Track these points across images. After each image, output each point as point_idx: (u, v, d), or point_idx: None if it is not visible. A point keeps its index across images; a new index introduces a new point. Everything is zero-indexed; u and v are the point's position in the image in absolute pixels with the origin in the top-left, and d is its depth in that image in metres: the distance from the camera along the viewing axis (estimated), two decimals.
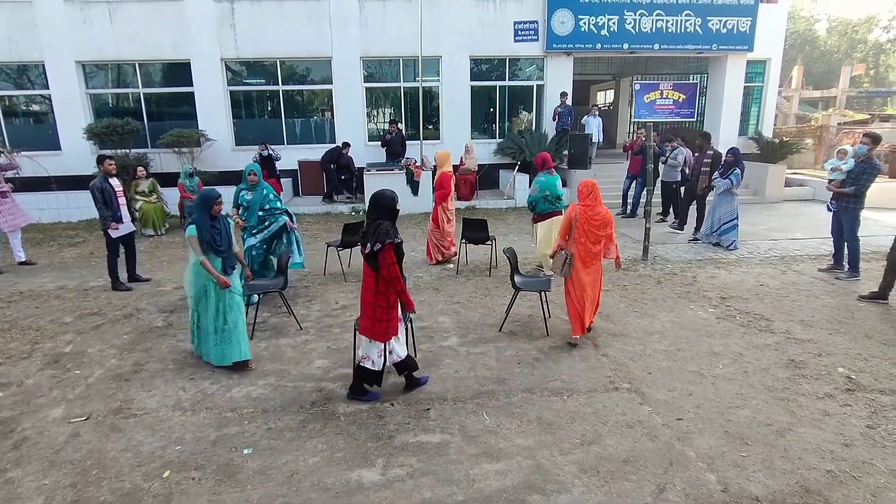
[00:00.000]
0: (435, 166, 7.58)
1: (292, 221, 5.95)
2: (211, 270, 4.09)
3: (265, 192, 5.74)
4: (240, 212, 5.71)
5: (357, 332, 3.78)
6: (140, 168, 9.77)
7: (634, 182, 10.56)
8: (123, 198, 6.36)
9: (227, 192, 11.05)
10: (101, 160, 6.26)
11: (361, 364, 3.68)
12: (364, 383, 3.77)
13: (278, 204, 5.87)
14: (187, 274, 4.30)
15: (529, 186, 6.84)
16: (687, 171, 9.24)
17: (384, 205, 3.55)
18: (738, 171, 7.65)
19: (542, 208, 6.38)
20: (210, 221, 4.12)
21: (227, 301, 4.21)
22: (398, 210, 3.64)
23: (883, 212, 10.15)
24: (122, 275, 6.53)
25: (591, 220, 4.53)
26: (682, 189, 9.43)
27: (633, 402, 3.73)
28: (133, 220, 6.65)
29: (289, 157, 12.35)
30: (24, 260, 7.51)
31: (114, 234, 6.21)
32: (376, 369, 3.66)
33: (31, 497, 2.84)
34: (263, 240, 5.76)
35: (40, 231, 9.65)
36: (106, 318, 5.50)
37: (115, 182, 6.24)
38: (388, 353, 3.65)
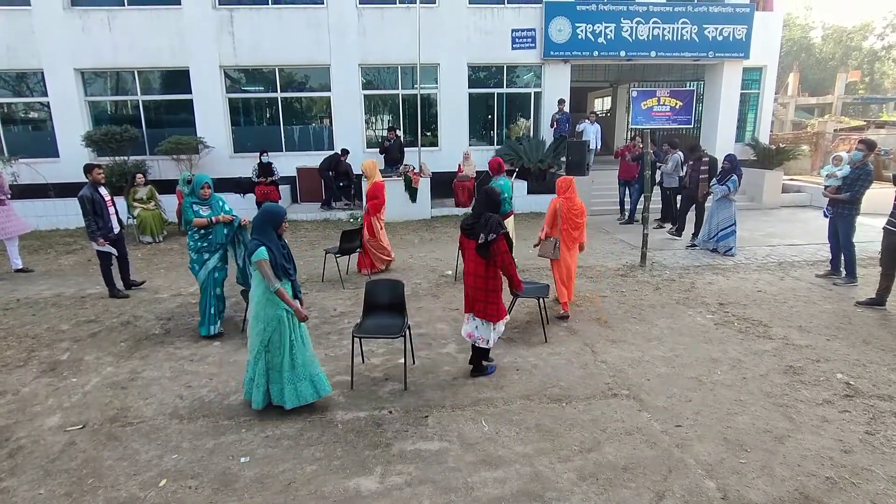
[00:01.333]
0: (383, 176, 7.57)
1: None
2: (289, 301, 3.54)
3: (221, 203, 5.17)
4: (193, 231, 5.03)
5: (475, 317, 4.05)
6: (138, 175, 9.78)
7: (628, 188, 10.61)
8: (113, 207, 6.27)
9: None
10: (89, 169, 6.12)
11: (477, 345, 4.12)
12: (483, 360, 4.25)
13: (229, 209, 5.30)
14: (255, 309, 3.57)
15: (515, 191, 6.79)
16: (681, 174, 9.28)
17: (494, 199, 4.00)
18: (735, 177, 7.68)
19: (503, 209, 6.53)
20: (279, 241, 3.60)
21: (300, 333, 3.68)
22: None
23: (879, 217, 10.18)
24: (118, 283, 6.51)
25: (572, 210, 5.34)
26: (679, 195, 9.46)
27: (632, 409, 3.72)
28: (122, 227, 6.49)
29: (287, 164, 12.37)
30: (20, 267, 7.49)
31: (103, 249, 6.11)
32: (491, 346, 4.13)
33: None
34: (222, 256, 5.13)
35: (37, 238, 9.63)
36: (103, 325, 5.48)
37: (104, 191, 6.15)
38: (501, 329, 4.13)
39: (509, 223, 6.65)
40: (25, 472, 3.10)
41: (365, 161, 7.23)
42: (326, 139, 13.24)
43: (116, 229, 6.31)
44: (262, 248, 3.45)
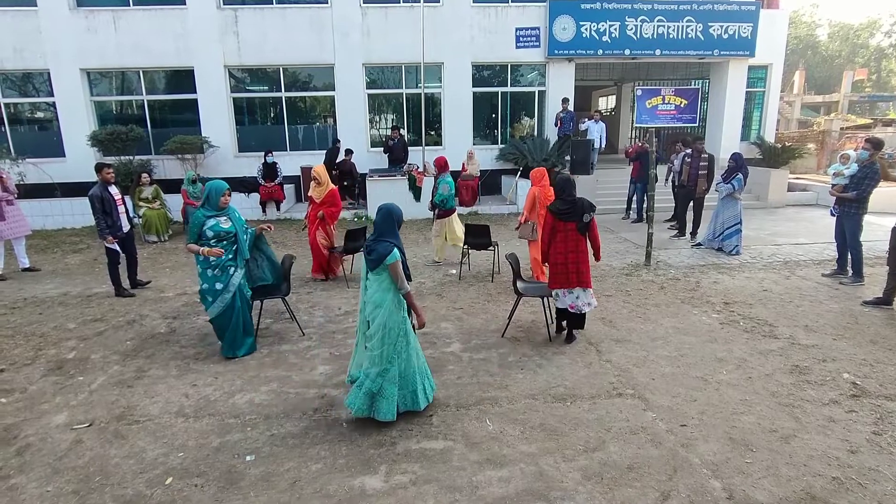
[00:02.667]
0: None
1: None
2: (415, 303, 3.49)
3: (236, 213, 4.58)
4: (213, 244, 4.33)
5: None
6: (144, 175, 9.83)
7: (636, 187, 10.57)
8: (123, 206, 6.35)
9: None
10: (99, 169, 6.21)
11: (583, 311, 4.68)
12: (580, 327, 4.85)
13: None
14: (383, 317, 3.40)
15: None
16: (677, 172, 9.20)
17: (574, 184, 4.67)
18: (740, 176, 7.64)
19: (451, 205, 7.28)
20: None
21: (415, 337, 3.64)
22: None
23: (886, 216, 10.11)
24: (125, 283, 6.55)
25: (546, 197, 5.96)
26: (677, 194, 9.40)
27: (637, 409, 3.71)
28: (132, 226, 6.59)
29: (292, 163, 12.41)
30: (27, 266, 7.54)
31: (112, 246, 6.18)
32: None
33: (34, 503, 2.84)
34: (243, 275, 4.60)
35: (44, 238, 9.69)
36: (109, 324, 5.51)
37: (114, 190, 6.23)
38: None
39: (453, 220, 7.38)
40: (34, 470, 3.12)
41: (318, 166, 6.82)
42: (330, 139, 13.27)
43: (126, 228, 6.36)
44: (396, 249, 3.37)
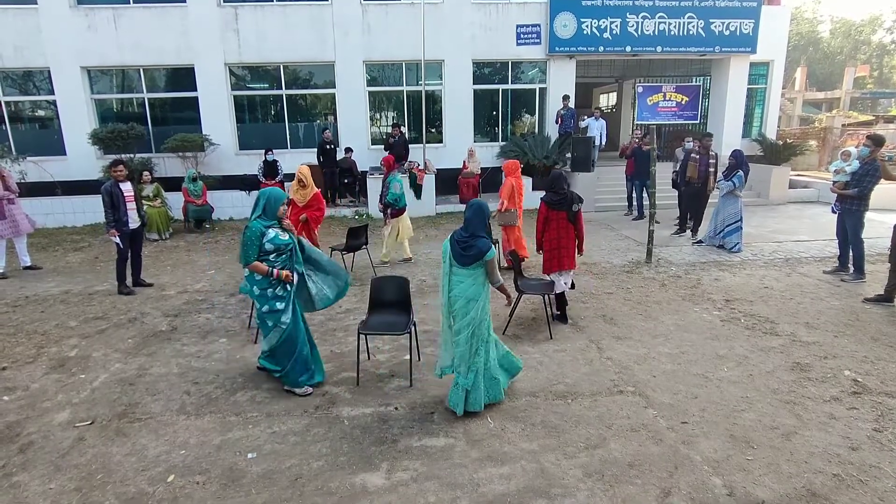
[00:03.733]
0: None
1: None
2: (510, 293, 3.74)
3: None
4: (273, 259, 3.76)
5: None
6: (145, 173, 9.84)
7: (633, 185, 10.55)
8: (133, 203, 6.38)
9: (231, 197, 11.07)
10: (110, 166, 6.38)
11: (564, 290, 5.14)
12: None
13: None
14: (477, 313, 3.52)
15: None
16: (677, 171, 9.15)
17: (565, 178, 5.09)
18: (741, 173, 7.63)
19: (403, 203, 7.30)
20: None
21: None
22: None
23: (888, 213, 10.10)
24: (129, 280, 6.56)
25: (521, 187, 6.92)
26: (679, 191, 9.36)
27: (638, 406, 3.72)
28: (143, 224, 6.63)
29: (292, 161, 12.37)
30: (29, 264, 7.55)
31: (113, 239, 6.26)
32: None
33: (37, 501, 2.84)
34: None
35: (45, 236, 9.70)
36: (111, 322, 5.52)
37: (125, 187, 6.29)
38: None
39: (403, 220, 7.39)
40: (36, 467, 3.13)
41: (302, 167, 6.34)
42: (332, 136, 13.25)
43: (133, 225, 6.37)
44: (493, 247, 3.50)
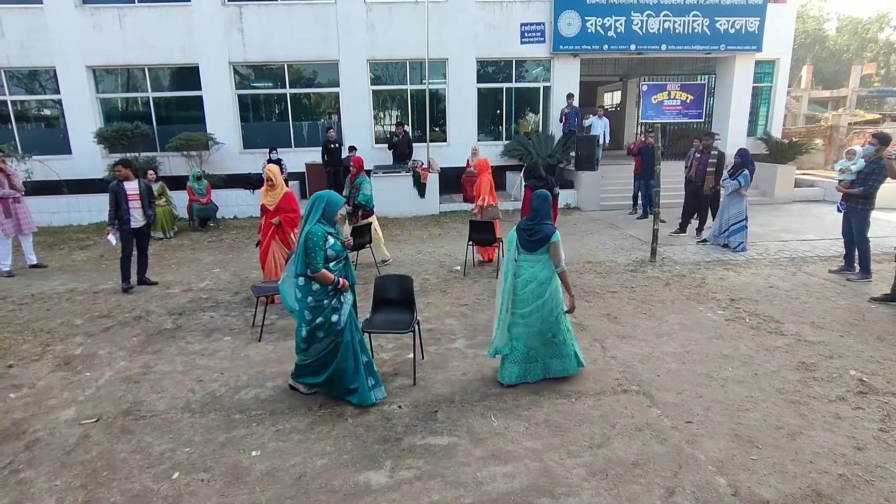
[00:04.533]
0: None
1: None
2: (569, 284, 3.89)
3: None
4: (332, 266, 3.57)
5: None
6: (149, 171, 9.87)
7: (640, 183, 10.51)
8: (138, 202, 6.36)
9: (236, 196, 11.08)
10: (113, 165, 6.41)
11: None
12: None
13: None
14: (551, 293, 3.80)
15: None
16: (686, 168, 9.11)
17: (540, 168, 6.42)
18: (746, 172, 7.59)
19: (373, 205, 7.26)
20: None
21: None
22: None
23: (894, 212, 10.04)
24: (133, 277, 6.59)
25: (493, 182, 7.28)
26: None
27: (642, 405, 3.71)
28: (148, 224, 6.63)
29: (296, 160, 12.43)
30: (35, 263, 7.60)
31: (110, 239, 6.30)
32: None
33: (43, 498, 2.86)
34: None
35: (51, 234, 9.75)
36: (115, 320, 5.54)
37: (129, 185, 6.30)
38: None
39: (373, 221, 7.25)
40: (42, 464, 3.15)
41: (271, 166, 5.74)
42: (336, 135, 13.28)
43: (135, 223, 6.37)
44: (557, 231, 3.77)
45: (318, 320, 3.55)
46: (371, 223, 7.18)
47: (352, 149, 11.90)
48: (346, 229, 7.19)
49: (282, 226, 5.63)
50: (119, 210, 6.21)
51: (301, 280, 3.53)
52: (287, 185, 7.23)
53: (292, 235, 5.74)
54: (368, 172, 11.64)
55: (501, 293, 3.92)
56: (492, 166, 8.70)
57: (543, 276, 3.80)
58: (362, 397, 3.68)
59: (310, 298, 3.54)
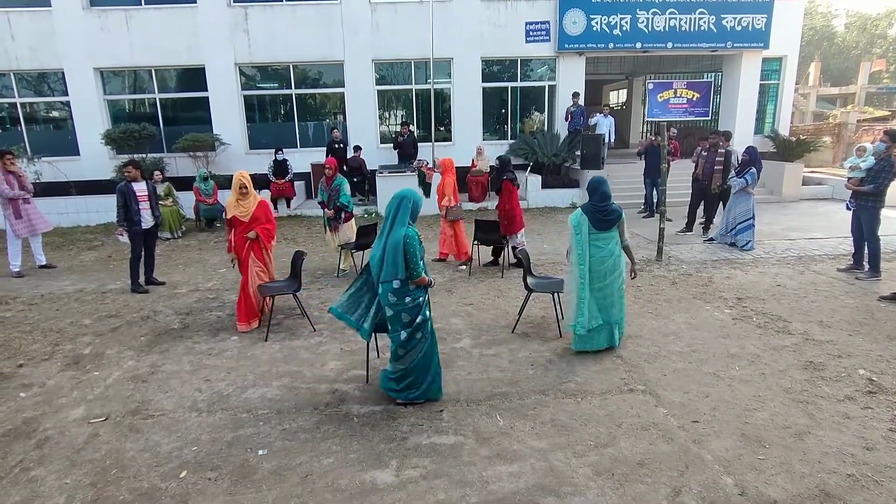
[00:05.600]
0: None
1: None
2: (634, 255, 4.65)
3: None
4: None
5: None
6: (156, 172, 9.94)
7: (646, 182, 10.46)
8: (147, 202, 6.40)
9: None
10: (122, 167, 6.46)
11: (521, 247, 6.11)
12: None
13: None
14: (620, 264, 4.42)
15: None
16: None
17: (510, 161, 6.92)
18: (753, 170, 7.54)
19: (352, 207, 7.05)
20: None
21: None
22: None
23: None
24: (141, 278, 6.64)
25: (456, 182, 7.35)
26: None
27: (648, 404, 3.69)
28: (156, 224, 6.68)
29: (302, 160, 12.47)
30: (44, 263, 7.67)
31: (121, 238, 6.37)
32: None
33: (53, 495, 2.89)
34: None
35: (60, 235, 9.84)
36: (124, 320, 5.59)
37: (138, 186, 6.34)
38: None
39: (350, 226, 6.89)
40: (52, 462, 3.18)
41: (242, 171, 5.16)
42: (341, 135, 13.31)
43: (146, 224, 6.40)
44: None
45: (417, 320, 3.54)
46: (349, 227, 6.88)
47: (357, 149, 11.93)
48: (336, 237, 6.84)
49: (259, 239, 5.10)
50: (129, 211, 6.24)
51: (396, 283, 3.46)
52: (293, 186, 7.06)
53: (270, 252, 5.29)
54: (373, 173, 11.76)
55: (580, 274, 4.30)
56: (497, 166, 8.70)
57: (616, 251, 4.34)
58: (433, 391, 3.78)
59: (408, 299, 3.49)
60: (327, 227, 6.96)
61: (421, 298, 3.55)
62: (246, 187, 5.04)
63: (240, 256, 5.14)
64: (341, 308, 3.80)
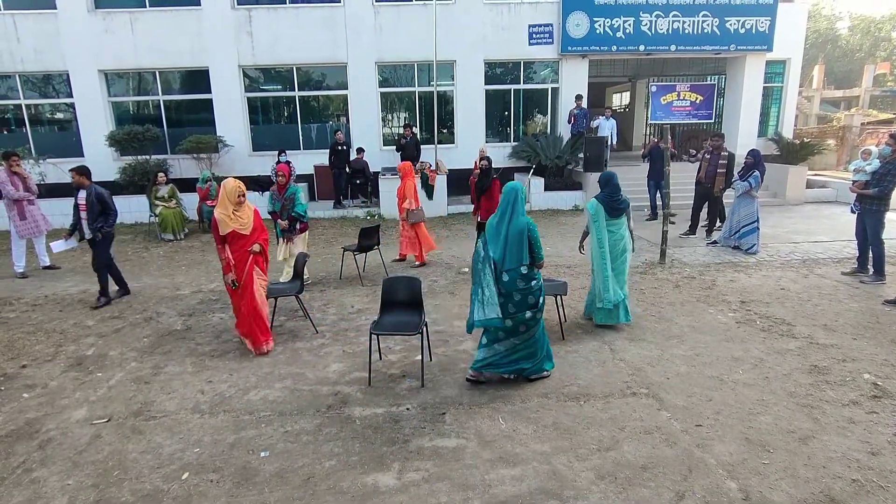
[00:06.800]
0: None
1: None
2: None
3: None
4: None
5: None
6: (160, 174, 9.97)
7: (649, 185, 10.45)
8: (85, 212, 5.97)
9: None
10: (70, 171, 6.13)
11: None
12: None
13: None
14: (630, 246, 5.08)
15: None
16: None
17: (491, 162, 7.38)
18: (757, 173, 7.52)
19: (307, 216, 6.56)
20: None
21: None
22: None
23: None
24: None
25: (416, 186, 7.48)
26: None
27: (651, 408, 3.68)
28: (92, 239, 6.03)
29: (305, 162, 12.49)
30: (48, 264, 7.70)
31: (59, 243, 6.08)
32: None
33: (56, 496, 2.89)
34: None
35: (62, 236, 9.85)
36: (126, 321, 5.60)
37: (81, 194, 6.02)
38: None
39: (304, 238, 6.44)
40: (55, 463, 3.19)
41: (234, 179, 4.70)
42: (344, 137, 13.33)
43: (87, 235, 6.05)
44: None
45: (540, 301, 3.92)
46: (303, 238, 6.45)
47: (360, 151, 11.95)
48: (290, 248, 6.29)
49: (262, 252, 4.65)
50: (76, 218, 5.97)
51: (524, 269, 3.80)
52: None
53: (265, 264, 4.75)
54: (376, 175, 11.77)
55: (601, 255, 4.92)
56: (500, 169, 8.74)
57: (626, 234, 5.02)
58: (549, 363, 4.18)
59: (533, 283, 3.85)
60: (279, 238, 6.33)
61: (541, 280, 3.95)
62: (244, 195, 4.58)
63: (240, 275, 4.52)
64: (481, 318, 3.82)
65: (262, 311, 4.66)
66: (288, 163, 11.40)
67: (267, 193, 11.16)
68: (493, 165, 12.43)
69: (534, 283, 3.84)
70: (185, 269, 7.70)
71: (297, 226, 6.26)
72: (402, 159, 12.05)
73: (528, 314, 3.88)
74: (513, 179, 9.90)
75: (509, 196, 3.84)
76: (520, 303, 3.81)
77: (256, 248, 4.59)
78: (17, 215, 7.23)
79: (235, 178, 4.77)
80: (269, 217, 6.22)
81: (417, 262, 7.50)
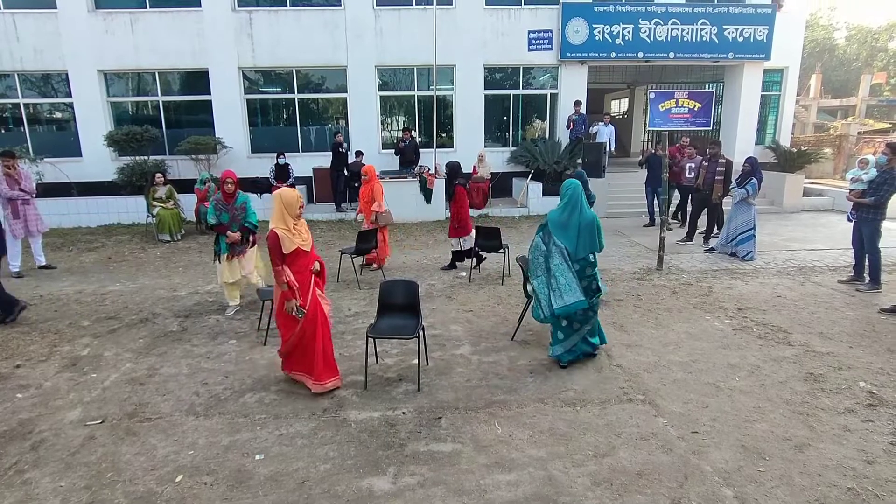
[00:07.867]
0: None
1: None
2: None
3: None
4: None
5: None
6: (158, 175, 9.95)
7: (647, 191, 10.48)
8: None
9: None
10: None
11: (454, 250, 7.25)
12: (456, 262, 7.38)
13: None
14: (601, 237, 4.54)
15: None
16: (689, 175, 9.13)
17: (460, 167, 7.17)
18: (754, 180, 7.55)
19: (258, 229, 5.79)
20: None
21: None
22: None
23: None
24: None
25: (382, 189, 7.39)
26: (689, 199, 9.31)
27: (648, 414, 3.68)
28: None
29: (304, 164, 12.48)
30: (44, 264, 7.66)
31: None
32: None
33: (48, 498, 2.87)
34: None
35: (60, 236, 9.84)
36: (122, 322, 5.57)
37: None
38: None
39: (253, 252, 5.74)
40: (47, 465, 3.16)
41: (291, 189, 4.18)
42: (343, 140, 13.34)
43: None
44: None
45: (601, 285, 4.36)
46: (255, 252, 5.80)
47: (359, 154, 11.95)
48: (245, 261, 5.63)
49: (321, 272, 4.06)
50: None
51: (592, 257, 4.26)
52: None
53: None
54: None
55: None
56: (498, 173, 8.81)
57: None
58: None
59: (596, 269, 4.31)
60: (221, 255, 5.51)
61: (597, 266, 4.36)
62: (303, 206, 3.97)
63: (305, 299, 3.86)
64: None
65: (329, 339, 4.03)
66: (287, 165, 11.43)
67: (266, 196, 11.28)
68: (493, 170, 12.63)
69: (596, 269, 4.29)
70: (182, 270, 7.67)
71: (250, 238, 5.62)
72: (401, 163, 12.10)
73: (594, 299, 4.29)
74: (510, 185, 9.76)
75: (576, 191, 4.20)
76: (586, 289, 4.20)
77: (317, 266, 3.98)
78: (11, 214, 7.20)
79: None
80: (212, 229, 5.59)
81: (375, 266, 7.38)
